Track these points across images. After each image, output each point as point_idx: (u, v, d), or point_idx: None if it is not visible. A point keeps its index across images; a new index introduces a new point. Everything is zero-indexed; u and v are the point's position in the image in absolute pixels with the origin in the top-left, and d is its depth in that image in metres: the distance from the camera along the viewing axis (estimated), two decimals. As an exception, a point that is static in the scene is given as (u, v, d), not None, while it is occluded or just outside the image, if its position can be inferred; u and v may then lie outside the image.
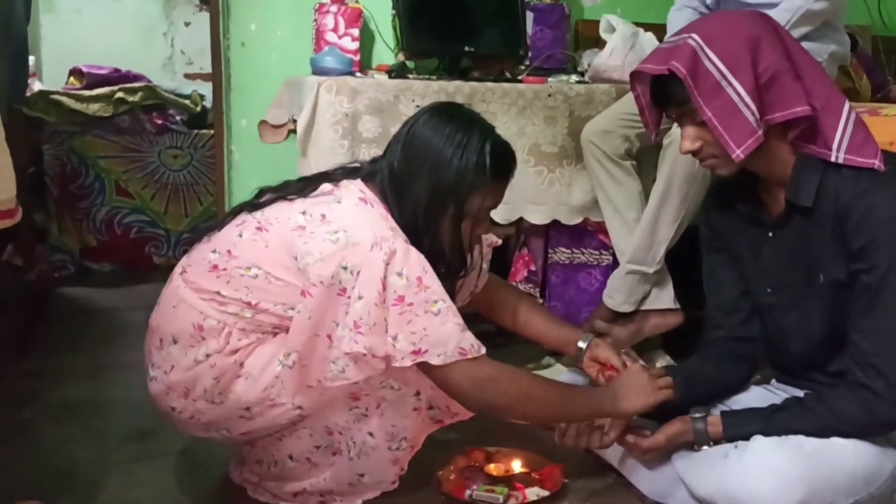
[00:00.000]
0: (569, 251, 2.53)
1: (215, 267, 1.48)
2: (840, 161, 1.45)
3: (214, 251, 1.50)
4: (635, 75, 1.56)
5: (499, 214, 2.40)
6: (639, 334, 2.34)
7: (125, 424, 1.99)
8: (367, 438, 1.50)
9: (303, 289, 1.40)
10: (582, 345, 1.75)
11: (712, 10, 2.29)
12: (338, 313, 1.38)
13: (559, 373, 2.22)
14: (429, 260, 1.43)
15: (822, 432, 1.44)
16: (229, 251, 1.48)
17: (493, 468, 1.70)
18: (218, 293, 1.46)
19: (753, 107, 1.41)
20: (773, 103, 1.43)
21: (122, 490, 1.68)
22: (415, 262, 1.39)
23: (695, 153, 1.52)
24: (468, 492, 1.62)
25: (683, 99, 1.45)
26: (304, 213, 1.47)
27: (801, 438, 1.41)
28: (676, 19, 2.37)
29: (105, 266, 3.54)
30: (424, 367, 1.41)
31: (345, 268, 1.37)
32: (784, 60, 1.45)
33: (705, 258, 1.76)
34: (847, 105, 1.50)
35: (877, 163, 1.44)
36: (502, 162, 1.52)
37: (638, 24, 2.65)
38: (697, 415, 1.55)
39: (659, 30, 2.55)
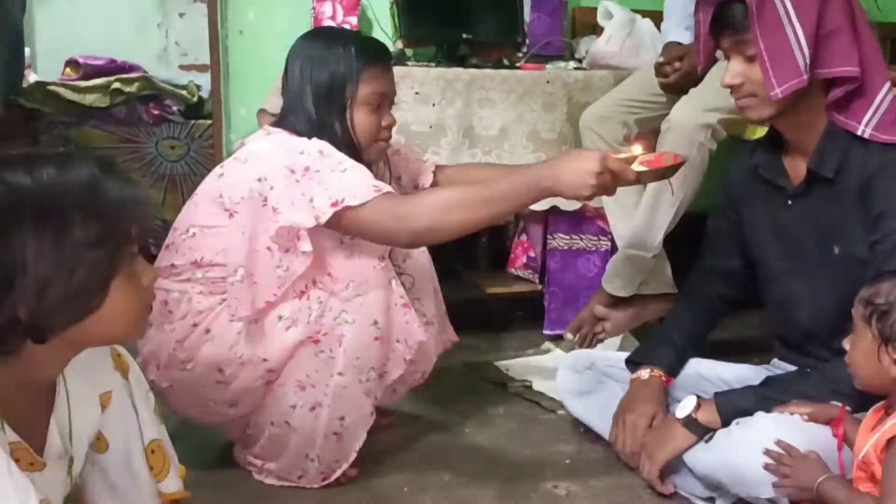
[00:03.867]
0: (567, 237, 2.54)
1: (167, 245, 1.59)
2: (866, 136, 1.48)
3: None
4: (701, 3, 1.57)
5: (498, 201, 2.41)
6: (638, 318, 2.35)
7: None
8: (337, 380, 1.53)
9: (230, 213, 1.51)
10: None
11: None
12: (267, 222, 1.47)
13: (558, 358, 2.25)
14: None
15: (820, 394, 1.46)
16: (175, 227, 1.59)
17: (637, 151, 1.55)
18: (172, 265, 1.55)
19: (807, 52, 1.44)
20: (826, 57, 1.46)
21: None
22: (314, 145, 1.51)
23: (734, 89, 1.54)
24: None
25: (743, 27, 1.47)
26: (222, 164, 1.64)
27: (797, 417, 1.42)
28: (674, 4, 2.39)
29: (103, 257, 3.52)
30: (346, 222, 1.46)
31: (258, 179, 1.49)
32: (848, 19, 1.48)
33: (715, 220, 1.82)
34: (888, 83, 1.52)
35: None
36: (368, 46, 1.65)
37: (635, 11, 2.66)
38: (683, 415, 1.56)
39: (656, 16, 2.57)
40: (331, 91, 1.58)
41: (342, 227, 1.48)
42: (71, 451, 1.06)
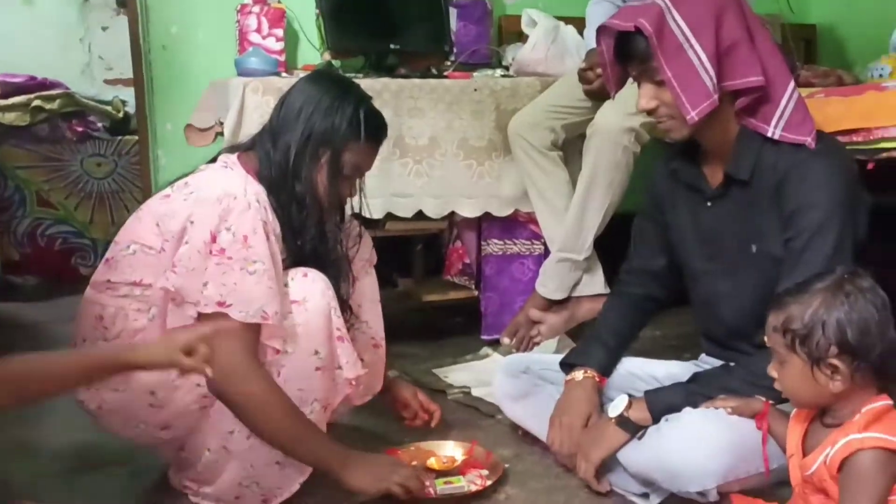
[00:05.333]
0: (501, 242, 2.57)
1: (107, 260, 1.55)
2: (776, 137, 1.55)
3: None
4: (602, 30, 1.61)
5: (431, 208, 2.44)
6: (572, 320, 2.39)
7: (59, 437, 1.94)
8: None
9: (161, 247, 1.47)
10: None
11: (627, 2, 2.36)
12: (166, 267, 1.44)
13: (496, 362, 2.27)
14: (296, 207, 1.51)
15: (744, 389, 1.50)
16: (116, 241, 1.55)
17: (434, 462, 1.70)
18: (108, 281, 1.51)
19: (712, 71, 1.49)
20: (730, 70, 1.51)
21: (60, 502, 1.64)
22: (247, 221, 1.43)
23: (650, 112, 1.58)
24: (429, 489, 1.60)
25: (647, 56, 1.51)
26: (171, 185, 1.56)
27: (723, 412, 1.47)
28: (594, 13, 2.44)
29: (30, 279, 3.43)
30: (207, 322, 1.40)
31: (191, 222, 1.45)
32: (744, 31, 1.53)
33: (640, 221, 1.87)
34: (792, 84, 1.58)
35: (809, 140, 1.54)
36: (376, 125, 1.59)
37: (559, 18, 2.71)
38: (614, 414, 1.59)
39: (579, 23, 2.62)
40: (321, 142, 1.52)
41: (197, 321, 1.43)
42: None
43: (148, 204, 1.58)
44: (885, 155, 1.92)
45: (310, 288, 1.51)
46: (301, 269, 1.53)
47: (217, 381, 1.41)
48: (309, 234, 1.54)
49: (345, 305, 1.64)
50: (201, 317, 1.43)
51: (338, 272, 1.61)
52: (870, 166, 1.91)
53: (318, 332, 1.50)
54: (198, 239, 1.43)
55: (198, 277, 1.42)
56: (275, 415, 1.44)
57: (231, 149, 1.64)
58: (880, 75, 2.53)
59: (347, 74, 2.45)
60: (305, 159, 1.52)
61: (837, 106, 1.97)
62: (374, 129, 1.59)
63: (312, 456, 1.50)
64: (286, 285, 1.49)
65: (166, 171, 2.75)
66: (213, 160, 1.60)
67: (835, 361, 1.23)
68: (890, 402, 1.26)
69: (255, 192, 1.48)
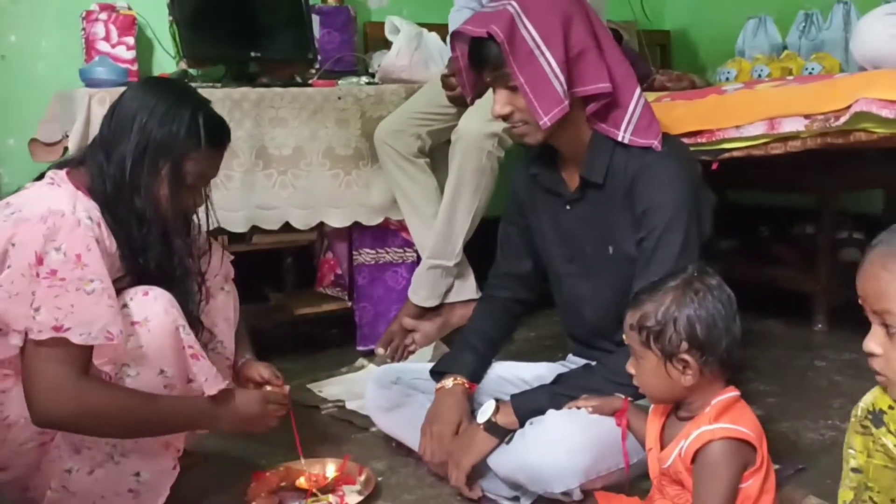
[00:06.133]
0: (373, 251, 2.54)
1: None
2: (626, 141, 1.60)
3: None
4: (455, 36, 1.62)
5: (299, 220, 2.38)
6: (446, 326, 2.39)
7: None
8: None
9: None
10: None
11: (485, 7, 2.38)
12: None
13: (372, 372, 2.24)
14: (136, 222, 1.43)
15: (604, 387, 1.53)
16: None
17: (303, 482, 1.65)
18: None
19: (562, 78, 1.52)
20: (579, 77, 1.55)
21: None
22: (78, 239, 1.35)
23: (505, 118, 1.60)
24: None
25: (499, 62, 1.53)
26: None
27: (584, 412, 1.50)
28: (456, 19, 2.45)
29: None
30: (36, 346, 1.32)
31: (13, 244, 1.34)
32: (591, 38, 1.56)
33: (504, 226, 1.89)
34: (638, 90, 1.63)
35: (655, 143, 1.59)
36: (217, 129, 1.51)
37: (422, 25, 2.72)
38: (482, 420, 1.59)
39: (442, 29, 2.63)
40: (160, 151, 1.43)
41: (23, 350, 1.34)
42: None
43: None
44: (727, 155, 2.02)
45: (151, 307, 1.42)
46: (141, 288, 1.44)
47: (42, 407, 1.32)
48: (153, 251, 1.45)
49: (196, 323, 1.56)
50: (34, 344, 1.32)
51: (185, 289, 1.53)
52: (714, 166, 2.01)
53: (164, 351, 1.42)
54: (21, 261, 1.32)
55: (23, 303, 1.31)
56: (117, 412, 1.36)
57: (59, 164, 1.52)
58: (727, 78, 2.67)
59: (206, 84, 2.37)
60: (143, 171, 1.43)
61: (683, 109, 2.07)
62: (216, 133, 1.51)
63: (180, 424, 1.47)
64: (125, 306, 1.40)
65: (10, 190, 2.53)
66: (40, 177, 1.49)
67: (685, 356, 1.27)
68: (737, 393, 1.31)
69: (85, 208, 1.39)
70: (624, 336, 1.35)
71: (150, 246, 1.45)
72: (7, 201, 1.42)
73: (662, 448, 1.34)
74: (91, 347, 1.34)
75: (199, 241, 1.66)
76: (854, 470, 1.12)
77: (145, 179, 1.43)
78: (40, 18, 2.56)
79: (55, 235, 1.33)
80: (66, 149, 2.29)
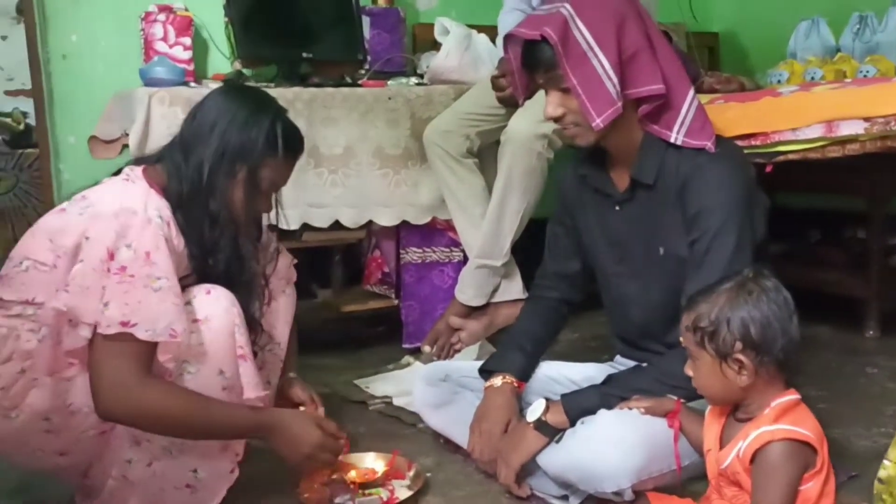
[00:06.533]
0: (420, 250, 2.57)
1: (1, 277, 1.46)
2: (679, 143, 1.59)
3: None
4: (509, 38, 1.63)
5: (348, 218, 2.42)
6: (492, 326, 2.41)
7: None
8: None
9: (54, 263, 1.40)
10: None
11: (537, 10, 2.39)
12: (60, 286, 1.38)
13: (417, 371, 2.26)
14: (209, 224, 1.46)
15: (656, 389, 1.54)
16: (11, 257, 1.47)
17: (354, 476, 1.68)
18: (1, 300, 1.43)
19: (615, 79, 1.52)
20: (632, 79, 1.55)
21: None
22: (148, 237, 1.38)
23: (557, 120, 1.61)
24: None
25: (552, 64, 1.54)
26: (69, 199, 1.49)
27: (636, 412, 1.50)
28: (506, 21, 2.47)
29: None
30: (105, 341, 1.36)
31: (86, 238, 1.38)
32: (644, 40, 1.57)
33: (552, 226, 1.89)
34: (692, 91, 1.63)
35: (709, 145, 1.59)
36: (293, 139, 1.55)
37: (471, 27, 2.74)
38: (532, 419, 1.60)
39: (491, 31, 2.64)
40: (237, 157, 1.47)
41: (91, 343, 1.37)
42: None
43: (44, 219, 1.50)
44: (781, 158, 2.00)
45: (213, 306, 1.46)
46: (204, 287, 1.48)
47: (107, 403, 1.36)
48: (223, 253, 1.49)
49: (256, 325, 1.60)
50: (102, 338, 1.36)
51: (250, 291, 1.56)
52: (768, 169, 1.99)
53: (223, 351, 1.45)
54: (93, 256, 1.37)
55: (93, 297, 1.36)
56: (177, 413, 1.39)
57: (136, 161, 1.57)
58: (778, 81, 2.64)
59: (259, 84, 2.42)
60: (220, 175, 1.47)
61: (736, 111, 2.05)
62: (292, 143, 1.55)
63: (236, 432, 1.48)
64: (188, 303, 1.44)
65: (70, 186, 2.64)
66: (117, 173, 1.54)
67: (740, 356, 1.28)
68: (797, 396, 1.31)
69: (156, 207, 1.43)
70: (681, 338, 1.36)
71: (221, 248, 1.49)
72: (83, 194, 1.47)
73: (721, 449, 1.34)
74: (156, 344, 1.38)
75: (268, 244, 1.70)
76: (879, 480, 1.13)
77: (222, 183, 1.47)
78: (100, 19, 2.63)
79: (126, 232, 1.37)
80: (123, 146, 2.36)
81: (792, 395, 1.30)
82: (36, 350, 1.41)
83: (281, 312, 1.73)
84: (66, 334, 1.38)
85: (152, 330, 1.36)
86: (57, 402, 1.40)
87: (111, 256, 1.36)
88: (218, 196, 1.47)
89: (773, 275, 1.34)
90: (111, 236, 1.37)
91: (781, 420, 1.26)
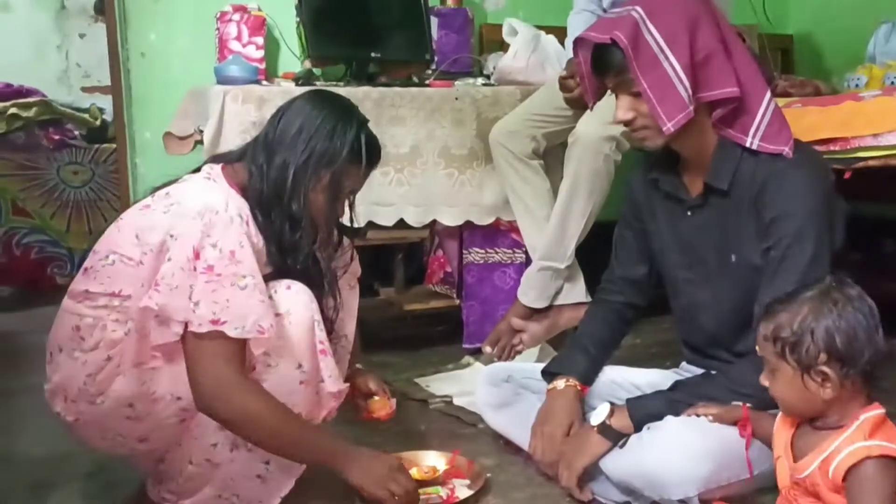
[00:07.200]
0: (483, 251, 2.57)
1: (86, 269, 1.51)
2: (755, 147, 1.56)
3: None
4: (579, 42, 1.62)
5: (413, 217, 2.43)
6: (554, 328, 2.39)
7: (32, 448, 1.91)
8: None
9: (140, 259, 1.44)
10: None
11: (608, 12, 2.37)
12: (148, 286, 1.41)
13: (478, 371, 2.26)
14: (289, 226, 1.49)
15: (724, 396, 1.50)
16: (95, 250, 1.51)
17: (416, 473, 1.67)
18: (87, 291, 1.48)
19: (687, 83, 1.49)
20: (704, 82, 1.52)
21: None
22: (232, 236, 1.42)
23: (627, 123, 1.59)
24: None
25: (622, 68, 1.52)
26: (153, 195, 1.53)
27: (704, 420, 1.47)
28: (576, 23, 2.45)
29: (5, 289, 3.39)
30: (197, 339, 1.39)
31: (171, 236, 1.42)
32: (718, 42, 1.53)
33: (620, 229, 1.87)
34: (768, 94, 1.59)
35: (786, 150, 1.55)
36: (374, 150, 1.59)
37: (539, 27, 2.73)
38: (596, 423, 1.59)
39: (559, 32, 2.63)
40: (322, 162, 1.50)
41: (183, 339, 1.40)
42: None
43: (128, 213, 1.54)
44: (861, 164, 1.95)
45: (293, 300, 1.49)
46: (284, 282, 1.51)
47: (207, 400, 1.40)
48: (301, 253, 1.52)
49: (328, 321, 1.61)
50: (195, 336, 1.39)
51: (325, 290, 1.59)
52: (847, 175, 1.94)
53: (302, 345, 1.48)
54: (180, 255, 1.40)
55: (183, 295, 1.39)
56: (270, 424, 1.43)
57: (216, 158, 1.61)
58: (857, 85, 2.57)
59: (328, 83, 2.45)
60: (304, 180, 1.50)
61: (815, 116, 2.00)
62: (374, 153, 1.59)
63: (313, 456, 1.50)
64: (269, 298, 1.46)
65: (145, 180, 2.72)
66: (198, 170, 1.58)
67: (824, 369, 1.23)
68: (883, 410, 1.26)
69: (236, 206, 1.46)
70: (757, 347, 1.32)
71: (300, 250, 1.52)
72: (167, 191, 1.51)
73: (795, 457, 1.31)
74: (245, 341, 1.41)
75: (345, 248, 1.73)
76: None
77: (305, 187, 1.50)
78: (178, 19, 2.71)
79: (211, 231, 1.40)
80: (197, 143, 2.42)
81: (879, 410, 1.25)
82: (122, 341, 1.45)
83: (347, 307, 1.75)
84: (155, 329, 1.41)
85: (241, 328, 1.39)
86: (141, 390, 1.44)
87: (197, 256, 1.39)
88: (300, 199, 1.50)
89: (856, 284, 1.29)
90: (197, 235, 1.40)
91: (875, 436, 1.22)
